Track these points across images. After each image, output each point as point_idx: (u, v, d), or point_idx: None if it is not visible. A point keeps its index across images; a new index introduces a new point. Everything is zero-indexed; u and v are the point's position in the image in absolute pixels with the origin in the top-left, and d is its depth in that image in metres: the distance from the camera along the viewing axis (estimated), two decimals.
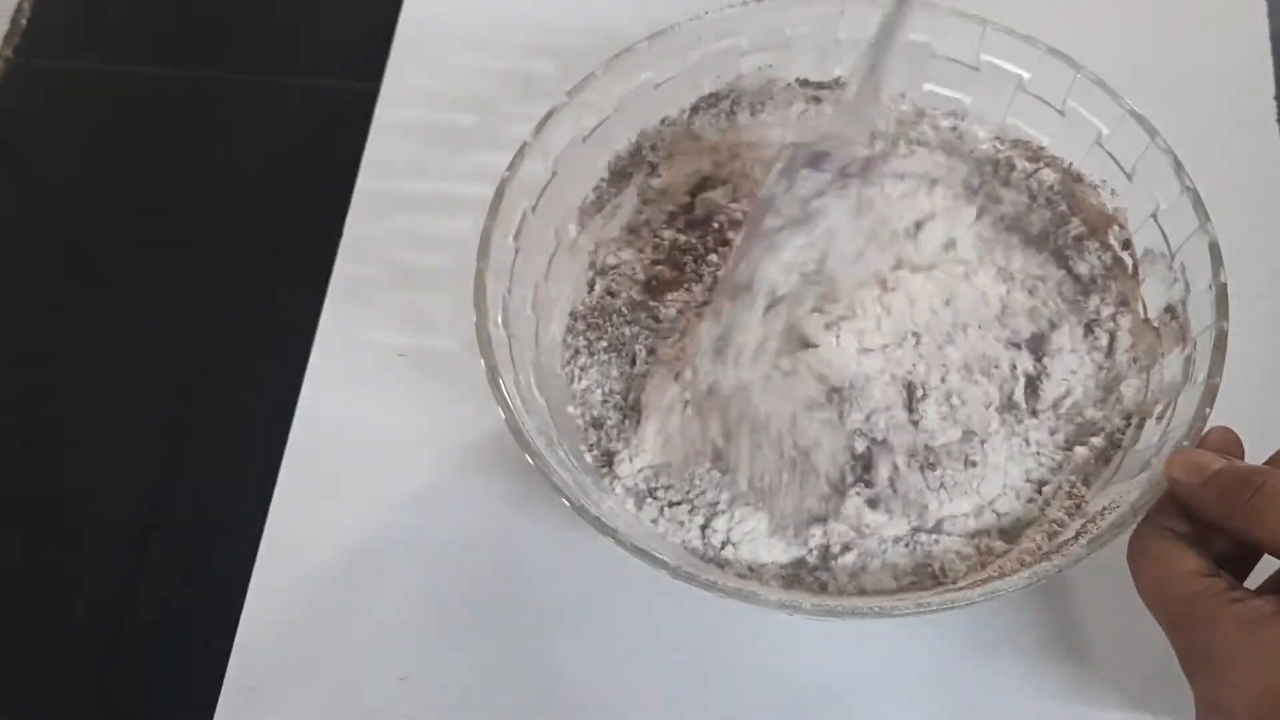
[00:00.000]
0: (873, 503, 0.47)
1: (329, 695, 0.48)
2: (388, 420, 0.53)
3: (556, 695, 0.48)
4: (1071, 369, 0.50)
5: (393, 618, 0.49)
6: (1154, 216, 0.49)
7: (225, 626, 0.49)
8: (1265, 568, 0.40)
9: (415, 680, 0.48)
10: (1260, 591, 0.39)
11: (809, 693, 0.47)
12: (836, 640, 0.48)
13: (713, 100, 0.54)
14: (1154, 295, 0.49)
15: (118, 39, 0.67)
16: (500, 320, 0.46)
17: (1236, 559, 0.40)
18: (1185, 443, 0.42)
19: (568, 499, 0.42)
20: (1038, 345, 0.51)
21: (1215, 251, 0.45)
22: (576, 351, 0.52)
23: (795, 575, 0.47)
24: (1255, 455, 0.41)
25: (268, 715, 0.47)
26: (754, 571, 0.47)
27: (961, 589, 0.42)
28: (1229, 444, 0.42)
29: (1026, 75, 0.51)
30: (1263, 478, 0.38)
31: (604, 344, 0.52)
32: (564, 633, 0.49)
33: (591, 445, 0.50)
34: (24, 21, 0.66)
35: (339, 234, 0.57)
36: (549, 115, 0.49)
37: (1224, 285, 0.45)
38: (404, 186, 0.59)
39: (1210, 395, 0.43)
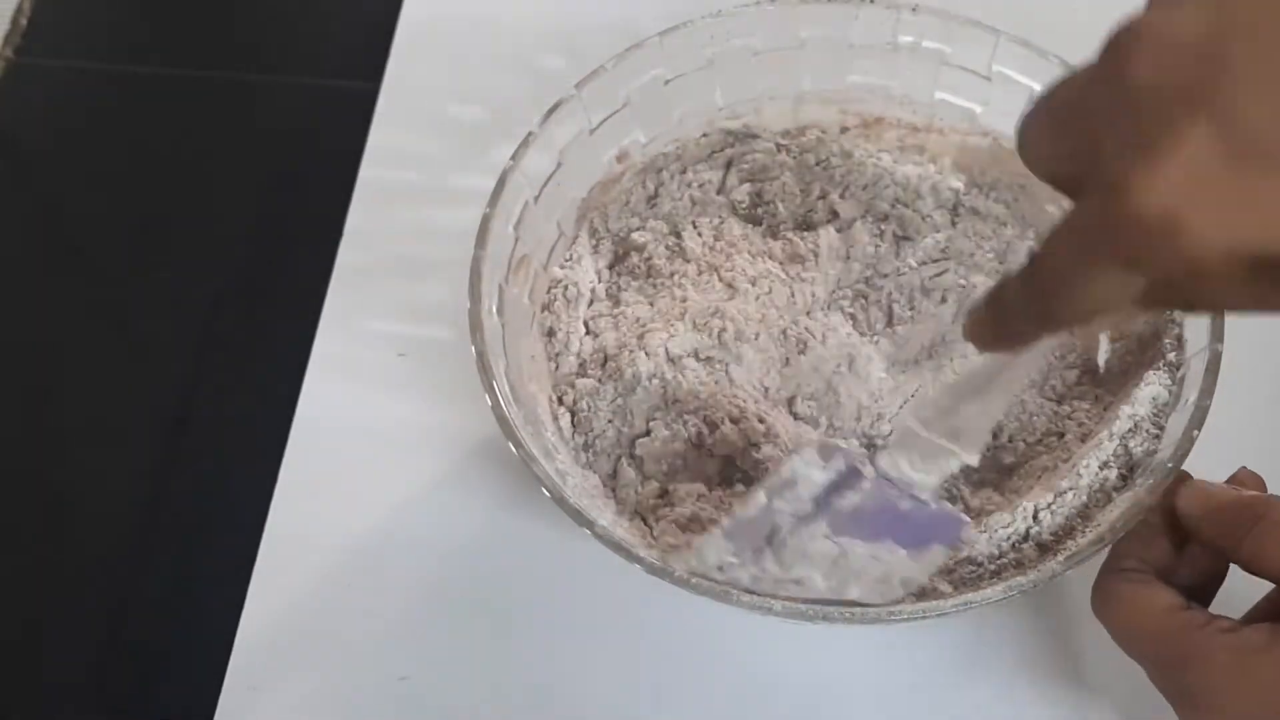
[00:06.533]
0: None
1: (329, 695, 0.47)
2: (389, 418, 0.53)
3: (556, 694, 0.47)
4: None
5: (393, 618, 0.49)
6: None
7: (225, 626, 0.48)
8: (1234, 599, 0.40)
9: (415, 680, 0.48)
10: (1246, 621, 0.38)
11: (801, 698, 0.47)
12: (831, 645, 0.48)
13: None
14: None
15: (118, 39, 0.67)
16: (495, 309, 0.46)
17: (1197, 593, 0.40)
18: (1169, 465, 0.41)
19: (548, 489, 0.42)
20: None
21: None
22: None
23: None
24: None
25: (268, 715, 0.47)
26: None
27: (934, 599, 0.42)
28: (1255, 484, 0.41)
29: (1038, 86, 0.50)
30: (1264, 507, 0.38)
31: None
32: (564, 632, 0.48)
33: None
34: (24, 21, 0.66)
35: (339, 236, 0.57)
36: (555, 106, 0.49)
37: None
38: (407, 178, 0.59)
39: (1200, 417, 0.42)
